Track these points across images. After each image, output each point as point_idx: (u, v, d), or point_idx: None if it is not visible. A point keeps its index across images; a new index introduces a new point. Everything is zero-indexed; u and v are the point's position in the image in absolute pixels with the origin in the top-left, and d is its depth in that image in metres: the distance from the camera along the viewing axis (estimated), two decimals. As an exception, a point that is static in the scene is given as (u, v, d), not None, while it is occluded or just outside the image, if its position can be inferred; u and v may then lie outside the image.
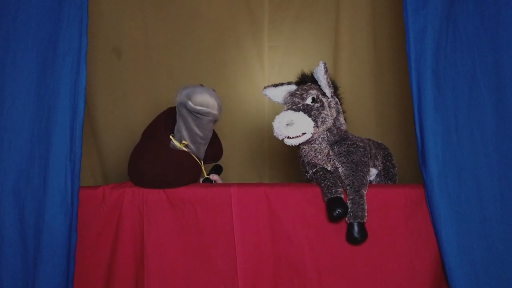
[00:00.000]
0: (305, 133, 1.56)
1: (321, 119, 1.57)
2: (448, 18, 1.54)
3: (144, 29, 2.37)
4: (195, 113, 1.68)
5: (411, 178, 2.01)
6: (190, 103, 1.66)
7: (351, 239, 1.54)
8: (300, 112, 1.56)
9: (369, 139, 1.82)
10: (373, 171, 1.75)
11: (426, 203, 1.57)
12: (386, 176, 1.79)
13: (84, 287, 1.61)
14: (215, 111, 1.70)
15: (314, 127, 1.55)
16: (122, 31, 2.34)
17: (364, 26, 2.34)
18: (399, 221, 1.58)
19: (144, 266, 1.59)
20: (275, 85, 1.72)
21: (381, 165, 1.78)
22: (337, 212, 1.50)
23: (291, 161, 2.37)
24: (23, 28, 1.54)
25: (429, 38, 1.53)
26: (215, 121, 1.74)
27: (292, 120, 1.53)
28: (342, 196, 1.56)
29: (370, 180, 1.78)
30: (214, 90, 1.75)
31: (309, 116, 1.55)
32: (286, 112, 1.57)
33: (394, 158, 1.86)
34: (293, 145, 1.58)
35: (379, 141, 1.88)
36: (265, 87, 1.74)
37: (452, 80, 1.53)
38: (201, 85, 1.75)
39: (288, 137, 1.55)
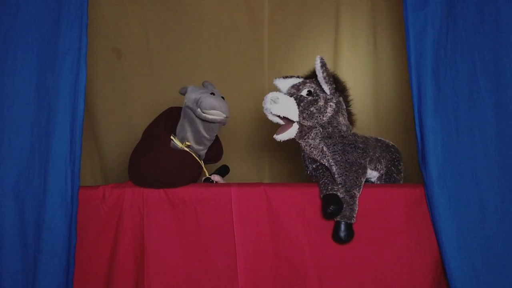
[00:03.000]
0: (287, 118, 1.57)
1: (308, 112, 1.57)
2: (448, 18, 1.54)
3: (144, 29, 2.37)
4: (205, 120, 1.70)
5: (411, 178, 2.01)
6: (201, 111, 1.68)
7: (336, 238, 1.55)
8: (291, 98, 1.58)
9: (378, 140, 1.80)
10: (374, 174, 1.74)
11: (426, 203, 1.57)
12: (388, 180, 1.77)
13: (84, 287, 1.61)
14: (225, 118, 1.72)
15: (299, 117, 1.57)
16: (122, 31, 2.34)
17: (364, 26, 2.35)
18: (399, 221, 1.58)
19: (144, 266, 1.59)
20: (285, 77, 1.73)
21: (384, 168, 1.76)
22: (331, 209, 1.50)
23: (291, 161, 2.37)
24: (23, 28, 1.54)
25: (429, 38, 1.53)
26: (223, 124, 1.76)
27: (278, 98, 1.56)
28: (339, 193, 1.56)
29: (371, 182, 1.78)
30: (222, 96, 1.76)
31: (297, 104, 1.57)
32: (276, 92, 1.61)
33: (402, 163, 1.83)
34: (281, 140, 1.60)
35: (391, 143, 1.85)
36: (275, 78, 1.75)
37: (452, 80, 1.53)
38: (212, 94, 1.74)
39: (276, 133, 1.60)
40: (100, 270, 1.62)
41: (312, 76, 1.68)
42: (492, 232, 1.48)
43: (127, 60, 2.36)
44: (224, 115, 1.70)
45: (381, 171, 1.75)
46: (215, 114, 1.69)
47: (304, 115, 1.57)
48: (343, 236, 1.53)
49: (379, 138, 1.84)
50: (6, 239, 1.50)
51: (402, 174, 1.82)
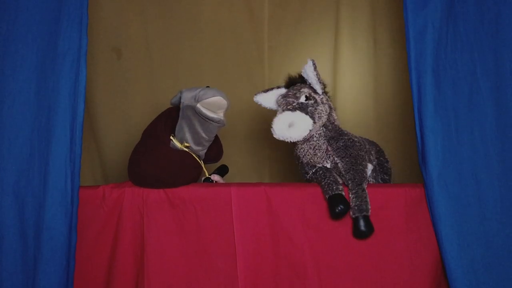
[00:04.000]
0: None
1: (317, 114, 1.61)
2: (448, 18, 1.54)
3: (144, 29, 2.37)
4: (205, 118, 1.68)
5: (411, 178, 2.01)
6: (200, 106, 1.66)
7: (358, 233, 1.54)
8: (297, 111, 1.59)
9: (360, 137, 1.82)
10: (369, 166, 1.75)
11: (426, 203, 1.57)
12: (382, 170, 1.81)
13: (84, 286, 1.61)
14: (224, 118, 1.70)
15: (312, 123, 1.59)
16: (122, 31, 2.34)
17: (364, 26, 2.34)
18: (399, 221, 1.58)
19: (144, 266, 1.59)
20: (265, 91, 1.76)
21: (376, 160, 1.80)
22: (339, 209, 1.50)
23: (291, 161, 2.37)
24: (23, 28, 1.54)
25: (429, 38, 1.53)
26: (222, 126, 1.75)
27: (293, 121, 1.56)
28: (343, 193, 1.56)
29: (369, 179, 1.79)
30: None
31: (306, 114, 1.59)
32: (283, 113, 1.60)
33: (385, 153, 1.89)
34: (295, 139, 1.60)
35: (368, 138, 1.90)
36: (255, 94, 1.77)
37: (452, 80, 1.53)
38: (208, 87, 1.73)
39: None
40: (100, 270, 1.62)
41: (291, 83, 1.71)
42: (492, 232, 1.48)
43: (127, 60, 2.36)
44: (225, 101, 1.68)
45: (374, 163, 1.79)
46: (217, 100, 1.66)
47: (315, 119, 1.60)
48: (365, 230, 1.53)
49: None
50: (6, 239, 1.50)
51: (390, 163, 1.88)
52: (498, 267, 1.48)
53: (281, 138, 1.60)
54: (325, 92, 1.72)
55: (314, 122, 1.60)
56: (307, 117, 1.58)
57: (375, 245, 1.58)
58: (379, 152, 1.85)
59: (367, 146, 1.76)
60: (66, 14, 1.54)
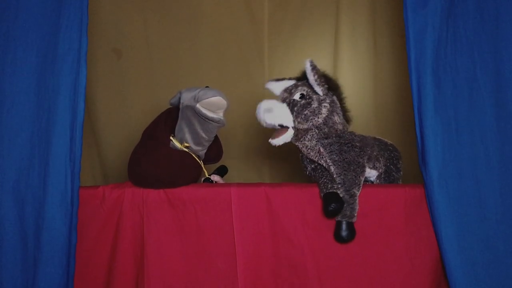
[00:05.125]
0: (282, 125, 1.59)
1: (303, 115, 1.58)
2: (448, 18, 1.54)
3: (144, 29, 2.37)
4: (204, 118, 1.68)
5: (411, 178, 2.01)
6: (200, 106, 1.66)
7: (338, 237, 1.55)
8: (284, 104, 1.59)
9: (376, 139, 1.80)
10: (373, 173, 1.74)
11: (426, 203, 1.57)
12: (387, 179, 1.77)
13: (84, 287, 1.61)
14: (223, 118, 1.70)
15: (294, 121, 1.58)
16: (122, 31, 2.34)
17: (364, 26, 2.35)
18: (399, 221, 1.58)
19: (144, 266, 1.59)
20: (277, 80, 1.75)
21: (383, 167, 1.76)
22: (332, 207, 1.50)
23: (291, 161, 2.37)
24: (23, 28, 1.54)
25: (429, 38, 1.53)
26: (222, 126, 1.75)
27: (271, 108, 1.58)
28: (339, 192, 1.56)
29: (371, 181, 1.78)
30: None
31: (290, 110, 1.58)
32: (274, 100, 1.62)
33: (401, 161, 1.83)
34: (277, 145, 1.62)
35: (389, 142, 1.85)
36: (267, 81, 1.76)
37: (452, 80, 1.53)
38: (207, 87, 1.73)
39: (272, 137, 1.62)
40: (100, 270, 1.62)
41: (304, 77, 1.68)
42: (492, 232, 1.48)
43: (127, 60, 2.37)
44: (225, 101, 1.68)
45: (380, 170, 1.75)
46: (217, 101, 1.66)
47: (299, 119, 1.58)
48: (345, 236, 1.53)
49: (377, 137, 1.84)
50: (6, 239, 1.50)
51: (401, 173, 1.83)
52: (498, 267, 1.48)
53: (261, 122, 1.62)
54: (337, 95, 1.68)
55: (297, 122, 1.58)
56: (288, 112, 1.58)
57: (375, 245, 1.58)
58: (392, 159, 1.79)
59: (375, 153, 1.73)
60: (66, 14, 1.54)
